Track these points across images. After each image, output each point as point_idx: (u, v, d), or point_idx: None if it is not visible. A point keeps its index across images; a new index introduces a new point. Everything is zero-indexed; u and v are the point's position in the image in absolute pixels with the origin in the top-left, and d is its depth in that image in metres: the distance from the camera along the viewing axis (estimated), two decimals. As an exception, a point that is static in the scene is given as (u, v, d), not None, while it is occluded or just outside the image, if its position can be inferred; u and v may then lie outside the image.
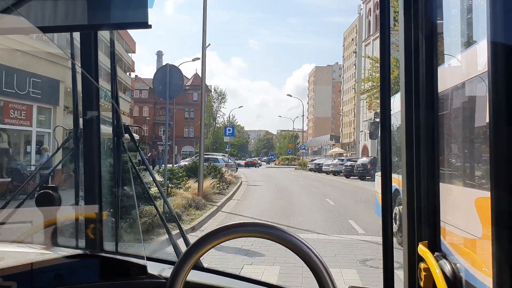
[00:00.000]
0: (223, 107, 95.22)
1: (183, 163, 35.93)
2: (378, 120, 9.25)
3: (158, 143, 76.11)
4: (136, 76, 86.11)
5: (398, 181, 4.61)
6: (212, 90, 79.89)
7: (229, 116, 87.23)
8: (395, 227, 9.36)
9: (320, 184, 31.71)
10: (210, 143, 67.64)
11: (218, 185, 20.67)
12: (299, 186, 29.25)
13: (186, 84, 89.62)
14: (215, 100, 75.64)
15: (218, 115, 77.88)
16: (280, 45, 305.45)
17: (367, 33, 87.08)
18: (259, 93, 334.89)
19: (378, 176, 11.64)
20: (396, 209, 9.63)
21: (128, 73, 67.53)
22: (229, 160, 40.05)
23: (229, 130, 32.73)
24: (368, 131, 14.24)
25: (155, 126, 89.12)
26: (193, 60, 42.69)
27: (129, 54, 65.34)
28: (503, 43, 0.81)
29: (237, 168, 43.50)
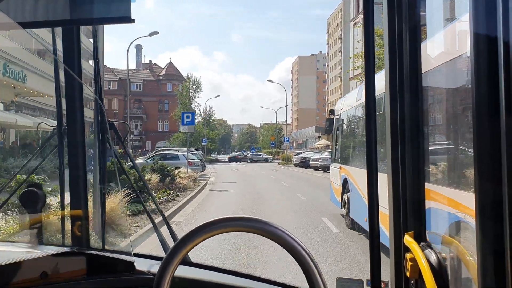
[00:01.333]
0: (198, 96, 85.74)
1: (139, 160, 29.19)
2: (332, 117, 10.60)
3: (130, 139, 69.23)
4: (105, 66, 73.07)
5: (347, 171, 7.84)
6: (187, 78, 71.95)
7: (205, 107, 77.72)
8: (344, 211, 11.37)
9: (311, 188, 22.42)
10: (183, 137, 63.31)
11: (164, 194, 15.82)
12: (282, 192, 20.64)
13: (160, 74, 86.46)
14: (190, 89, 67.82)
15: (193, 105, 69.34)
16: (262, 38, 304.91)
17: (355, 11, 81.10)
18: (243, 87, 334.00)
19: (333, 167, 13.46)
20: (346, 196, 11.03)
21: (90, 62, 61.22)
22: (195, 157, 34.39)
23: (187, 117, 24.08)
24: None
25: (126, 120, 79.26)
26: (150, 35, 35.76)
27: (90, 40, 62.01)
28: (485, 34, 0.82)
29: (204, 166, 37.02)
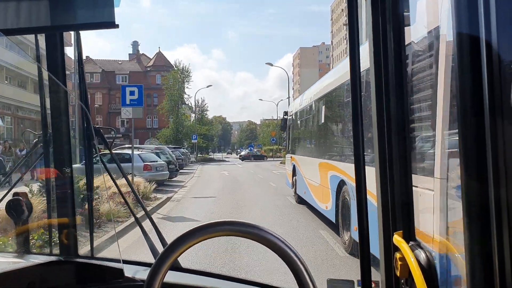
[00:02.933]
0: (187, 87, 71.78)
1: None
2: (286, 117, 13.69)
3: (115, 137, 59.89)
4: (87, 57, 69.16)
5: (295, 159, 11.17)
6: (174, 67, 63.61)
7: (196, 100, 69.47)
8: (292, 190, 14.94)
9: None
10: (171, 134, 57.35)
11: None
12: (285, 221, 11.51)
13: (148, 65, 76.87)
14: (179, 78, 59.72)
15: (182, 97, 61.79)
16: (260, 36, 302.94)
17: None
18: (242, 85, 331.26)
19: (286, 158, 17.41)
20: (294, 179, 14.49)
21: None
22: (163, 157, 24.38)
23: (131, 93, 15.06)
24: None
25: (111, 116, 73.06)
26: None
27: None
28: (467, 33, 0.83)
29: (177, 170, 26.78)
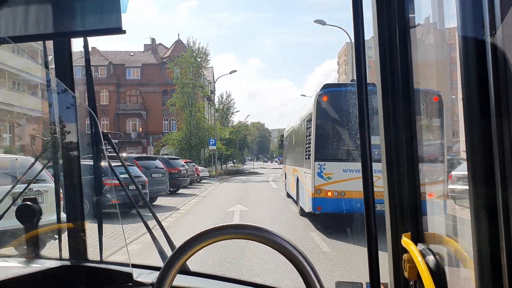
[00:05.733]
0: (204, 73, 52.12)
1: None
2: (281, 139, 23.53)
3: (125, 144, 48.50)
4: (92, 48, 42.29)
5: (286, 168, 20.46)
6: (187, 46, 47.53)
7: (220, 96, 56.03)
8: (284, 191, 20.39)
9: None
10: (183, 138, 42.95)
11: None
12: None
13: (164, 56, 57.50)
14: (192, 62, 44.13)
15: (196, 89, 45.46)
16: (297, 44, 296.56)
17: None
18: (280, 93, 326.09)
19: (281, 168, 25.74)
20: (285, 181, 20.50)
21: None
22: (151, 171, 17.94)
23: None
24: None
25: (120, 119, 56.36)
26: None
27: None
28: (473, 37, 0.83)
29: (169, 192, 20.63)
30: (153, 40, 60.79)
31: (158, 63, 58.54)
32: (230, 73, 42.46)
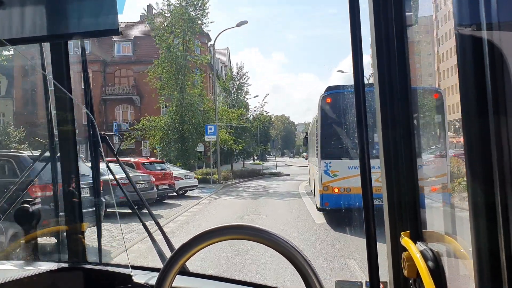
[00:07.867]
0: (204, 24, 30.84)
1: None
2: (306, 136, 21.78)
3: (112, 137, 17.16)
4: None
5: (309, 163, 19.82)
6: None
7: (229, 69, 42.73)
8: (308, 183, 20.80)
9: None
10: (169, 125, 28.47)
11: None
12: None
13: (162, 27, 30.90)
14: (183, 13, 28.66)
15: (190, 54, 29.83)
16: (322, 36, 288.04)
17: None
18: (305, 87, 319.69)
19: (307, 162, 23.48)
20: (309, 175, 19.89)
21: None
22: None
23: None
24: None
25: (107, 106, 43.12)
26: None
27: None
28: (470, 35, 0.83)
29: (156, 203, 15.81)
30: (149, 7, 37.51)
31: (154, 35, 34.91)
32: (238, 25, 29.09)
